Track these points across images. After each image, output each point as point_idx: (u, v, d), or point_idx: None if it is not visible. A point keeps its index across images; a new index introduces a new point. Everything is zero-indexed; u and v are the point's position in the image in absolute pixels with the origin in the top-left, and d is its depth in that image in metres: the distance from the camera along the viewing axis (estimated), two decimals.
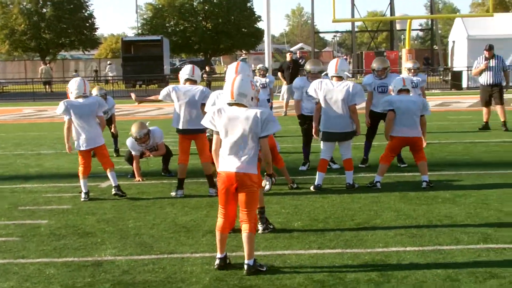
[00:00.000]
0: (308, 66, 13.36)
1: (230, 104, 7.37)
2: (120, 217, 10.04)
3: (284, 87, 25.86)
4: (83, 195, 11.36)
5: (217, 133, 7.44)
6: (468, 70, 40.21)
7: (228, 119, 7.29)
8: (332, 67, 11.49)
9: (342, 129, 11.40)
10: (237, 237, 8.22)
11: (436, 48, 61.79)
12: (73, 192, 11.94)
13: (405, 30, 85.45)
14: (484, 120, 19.60)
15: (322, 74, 12.90)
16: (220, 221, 7.45)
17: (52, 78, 54.31)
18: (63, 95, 44.34)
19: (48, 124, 25.93)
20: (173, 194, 11.47)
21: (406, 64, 16.76)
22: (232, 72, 9.03)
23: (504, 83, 19.93)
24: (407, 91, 11.62)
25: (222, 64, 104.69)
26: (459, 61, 42.93)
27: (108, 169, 11.52)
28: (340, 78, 11.40)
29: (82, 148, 11.44)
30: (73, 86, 11.44)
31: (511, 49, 36.80)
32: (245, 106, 7.31)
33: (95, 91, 15.28)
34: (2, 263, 7.95)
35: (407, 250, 7.91)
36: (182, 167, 11.45)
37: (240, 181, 7.26)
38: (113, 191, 11.42)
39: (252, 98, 7.36)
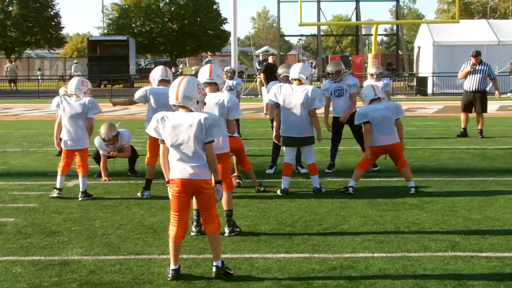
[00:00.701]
0: (280, 70, 13.38)
1: (175, 107, 7.19)
2: (87, 216, 9.97)
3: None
4: (56, 191, 11.28)
5: (162, 141, 7.23)
6: (433, 76, 40.60)
7: (172, 127, 7.07)
8: (294, 71, 11.51)
9: (301, 134, 11.37)
10: (204, 239, 8.23)
11: (401, 53, 62.13)
12: (39, 191, 11.85)
13: (370, 35, 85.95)
14: (462, 126, 19.46)
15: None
16: (173, 229, 7.22)
17: (17, 76, 53.88)
18: (28, 93, 44.35)
19: (13, 122, 25.72)
20: (139, 194, 11.41)
21: (370, 69, 16.88)
22: (205, 74, 8.98)
23: (487, 90, 19.72)
24: (379, 99, 11.61)
25: (187, 65, 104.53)
26: (424, 67, 43.31)
27: (81, 173, 11.35)
28: (300, 82, 11.41)
29: (66, 147, 11.35)
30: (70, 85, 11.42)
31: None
32: (190, 110, 7.11)
33: (62, 91, 15.16)
34: None
35: (375, 256, 7.91)
36: (150, 168, 11.40)
37: (194, 188, 7.11)
38: (80, 197, 11.24)
39: (197, 102, 7.12)
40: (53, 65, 74.42)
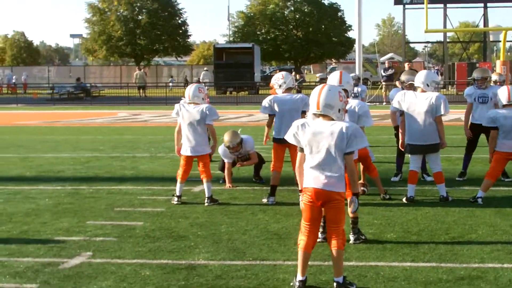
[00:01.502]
0: (404, 77, 13.24)
1: (316, 115, 7.06)
2: (213, 221, 10.13)
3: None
4: (176, 199, 11.50)
5: (301, 149, 7.10)
6: None
7: (312, 135, 6.92)
8: (419, 77, 11.37)
9: (426, 141, 11.20)
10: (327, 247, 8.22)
11: None
12: (167, 195, 12.09)
13: (498, 41, 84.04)
14: None
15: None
16: (304, 239, 7.05)
17: (146, 83, 55.22)
18: (157, 100, 45.37)
19: (142, 128, 26.41)
20: (264, 200, 11.49)
21: (493, 75, 16.44)
22: (335, 81, 8.99)
23: None
24: None
25: (312, 72, 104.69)
26: None
27: (205, 179, 11.48)
28: (423, 89, 11.25)
29: (186, 154, 11.51)
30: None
31: None
32: (331, 119, 6.97)
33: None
34: (100, 262, 8.11)
35: (504, 267, 7.72)
36: (275, 174, 11.47)
37: (326, 198, 6.92)
38: (206, 202, 11.40)
39: (339, 110, 6.94)
40: (180, 72, 75.97)
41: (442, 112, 11.08)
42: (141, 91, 53.16)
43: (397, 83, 15.05)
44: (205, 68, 62.58)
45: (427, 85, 11.20)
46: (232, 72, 54.17)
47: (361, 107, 8.98)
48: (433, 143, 11.23)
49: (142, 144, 20.28)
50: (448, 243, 8.78)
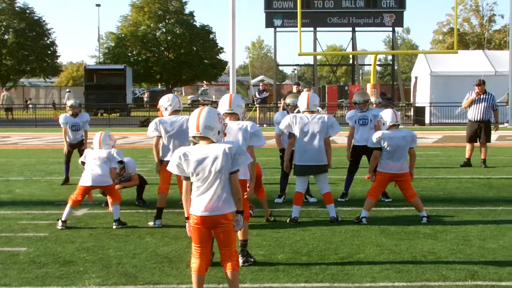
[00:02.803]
0: (289, 100, 13.37)
1: (195, 137, 7.00)
2: (100, 245, 9.89)
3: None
4: (60, 223, 11.17)
5: (186, 178, 7.00)
6: (430, 106, 40.69)
7: (196, 163, 6.85)
8: (303, 102, 11.52)
9: (318, 162, 11.37)
10: (222, 268, 8.16)
11: (397, 83, 62.31)
12: (48, 220, 11.74)
13: (364, 65, 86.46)
14: (467, 156, 19.29)
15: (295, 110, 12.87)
16: (196, 261, 6.97)
17: (14, 105, 53.79)
18: (25, 122, 44.24)
19: (13, 151, 25.63)
20: (151, 224, 11.33)
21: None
22: (225, 104, 8.96)
23: (492, 121, 19.46)
24: (398, 126, 11.60)
25: (183, 94, 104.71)
26: (421, 96, 43.42)
27: (113, 203, 11.52)
28: (311, 112, 11.44)
29: (85, 184, 11.51)
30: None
31: (472, 85, 37.28)
32: (211, 141, 6.92)
33: (70, 102, 16.23)
34: None
35: (395, 286, 7.87)
36: (162, 197, 11.35)
37: (214, 223, 6.85)
38: (114, 225, 11.25)
39: (218, 132, 6.94)
40: (48, 93, 74.51)
41: (335, 133, 11.32)
42: (8, 113, 51.73)
43: (281, 106, 15.23)
44: (67, 90, 61.57)
45: (314, 106, 11.38)
46: (104, 93, 53.54)
47: (253, 126, 8.97)
48: (324, 164, 11.40)
49: (16, 167, 19.62)
50: (339, 263, 8.86)
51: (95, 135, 12.04)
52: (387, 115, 11.58)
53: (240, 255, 8.75)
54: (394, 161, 11.30)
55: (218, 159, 6.82)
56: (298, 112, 11.92)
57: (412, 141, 11.47)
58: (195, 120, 6.91)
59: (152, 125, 11.51)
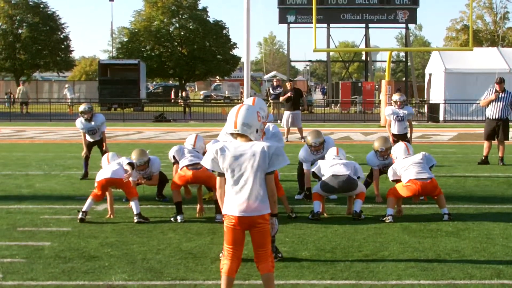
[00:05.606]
0: (309, 138, 13.03)
1: (232, 134, 6.92)
2: (123, 241, 9.92)
3: (286, 113, 26.34)
4: (80, 214, 11.28)
5: (220, 174, 6.82)
6: (445, 103, 40.59)
7: (233, 158, 6.68)
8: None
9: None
10: (247, 264, 8.20)
11: (410, 80, 62.25)
12: (70, 214, 11.78)
13: (377, 61, 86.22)
14: (484, 154, 19.24)
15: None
16: (227, 263, 6.78)
17: (29, 99, 53.83)
18: (39, 116, 44.33)
19: (30, 145, 25.69)
20: (173, 219, 11.36)
21: (394, 96, 16.80)
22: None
23: (511, 118, 19.42)
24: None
25: (196, 89, 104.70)
26: (436, 94, 43.30)
27: (131, 198, 11.57)
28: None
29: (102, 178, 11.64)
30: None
31: (486, 83, 37.16)
32: (249, 139, 6.79)
33: (82, 107, 16.17)
34: (12, 284, 7.83)
35: (421, 284, 7.87)
36: (175, 193, 11.48)
37: (251, 223, 6.67)
38: (136, 219, 11.28)
39: (257, 130, 6.78)
40: (62, 88, 74.62)
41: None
42: (23, 107, 51.80)
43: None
44: (66, 85, 61.52)
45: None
46: (118, 88, 53.69)
47: (274, 126, 8.94)
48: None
49: (34, 162, 19.64)
50: (363, 260, 8.87)
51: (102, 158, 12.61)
52: (398, 150, 11.93)
53: None
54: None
55: (255, 157, 6.65)
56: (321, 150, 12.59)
57: (429, 161, 11.91)
58: (233, 117, 6.77)
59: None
